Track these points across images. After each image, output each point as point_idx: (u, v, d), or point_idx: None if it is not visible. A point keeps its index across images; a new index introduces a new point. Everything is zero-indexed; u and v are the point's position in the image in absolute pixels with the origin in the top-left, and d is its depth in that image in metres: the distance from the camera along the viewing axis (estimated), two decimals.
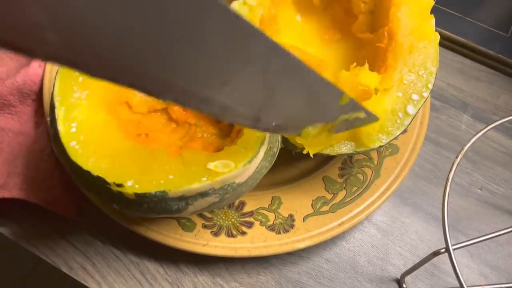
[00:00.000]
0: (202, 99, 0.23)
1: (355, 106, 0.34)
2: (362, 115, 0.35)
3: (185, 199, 0.30)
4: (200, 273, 0.41)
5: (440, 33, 0.55)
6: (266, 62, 0.24)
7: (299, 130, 0.31)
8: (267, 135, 0.32)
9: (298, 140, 0.36)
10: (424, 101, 0.37)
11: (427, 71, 0.38)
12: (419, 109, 0.37)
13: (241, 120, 0.26)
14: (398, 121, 0.37)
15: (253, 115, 0.27)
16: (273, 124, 0.29)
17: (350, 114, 0.33)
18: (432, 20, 0.39)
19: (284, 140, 0.36)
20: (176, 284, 0.40)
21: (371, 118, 0.35)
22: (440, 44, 0.56)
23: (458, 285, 0.32)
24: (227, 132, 0.38)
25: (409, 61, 0.38)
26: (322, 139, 0.36)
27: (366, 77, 0.38)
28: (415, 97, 0.37)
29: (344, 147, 0.36)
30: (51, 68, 0.45)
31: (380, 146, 0.37)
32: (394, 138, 0.37)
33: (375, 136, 0.36)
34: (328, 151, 0.36)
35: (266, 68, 0.24)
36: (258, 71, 0.24)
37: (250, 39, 0.22)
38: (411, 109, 0.37)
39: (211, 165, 0.30)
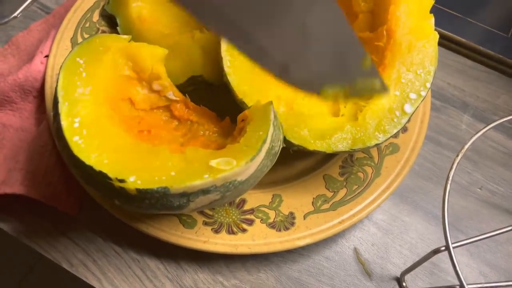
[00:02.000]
0: (244, 34, 0.24)
1: (374, 72, 0.33)
2: (377, 84, 0.34)
3: (187, 195, 0.30)
4: (200, 270, 0.41)
5: (441, 33, 0.55)
6: (308, 10, 0.25)
7: (318, 89, 0.31)
8: (270, 133, 0.32)
9: (297, 141, 0.36)
10: (422, 100, 0.37)
11: (425, 70, 0.38)
12: (417, 107, 0.37)
13: (270, 67, 0.27)
14: (395, 120, 0.37)
15: (283, 63, 0.27)
16: (298, 77, 0.29)
17: (367, 81, 0.33)
18: (431, 20, 0.39)
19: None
20: (177, 281, 0.40)
21: (384, 89, 0.35)
22: (441, 44, 0.56)
23: (457, 283, 0.32)
24: (229, 131, 0.39)
25: (407, 60, 0.38)
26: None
27: None
28: (412, 96, 0.37)
29: (340, 145, 0.36)
30: (53, 65, 0.46)
31: (377, 144, 0.37)
32: (391, 137, 0.37)
33: (371, 134, 0.37)
34: (324, 149, 0.36)
35: (307, 16, 0.25)
36: (298, 17, 0.25)
37: None
38: (408, 108, 0.37)
39: (213, 163, 0.30)
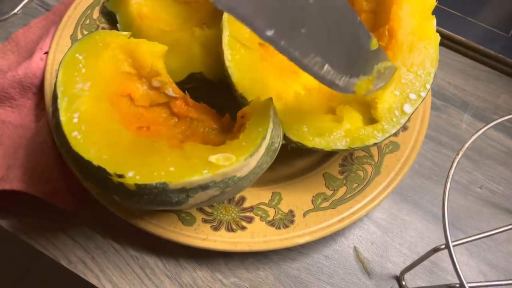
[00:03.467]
0: (288, 43, 0.25)
1: (381, 53, 0.35)
2: (388, 64, 0.35)
3: (186, 191, 0.30)
4: (199, 268, 0.41)
5: (442, 33, 0.55)
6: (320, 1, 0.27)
7: (352, 86, 0.32)
8: (269, 130, 0.32)
9: (295, 138, 0.36)
10: (422, 101, 0.38)
11: (426, 71, 0.38)
12: (416, 108, 0.37)
13: (316, 69, 0.28)
14: (394, 119, 0.37)
15: (320, 62, 0.28)
16: (333, 75, 0.30)
17: (380, 64, 0.34)
18: (433, 21, 0.39)
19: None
20: (175, 278, 0.40)
21: (393, 68, 0.36)
22: (442, 44, 0.56)
23: (457, 282, 0.32)
24: (228, 128, 0.38)
25: (408, 61, 0.38)
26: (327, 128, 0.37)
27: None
28: (412, 96, 0.38)
29: (339, 143, 0.36)
30: (53, 61, 0.45)
31: (375, 144, 0.37)
32: (390, 136, 0.37)
33: (370, 133, 0.37)
34: (322, 146, 0.36)
35: (322, 7, 0.27)
36: (316, 11, 0.26)
37: None
38: (408, 108, 0.37)
39: (213, 158, 0.30)
